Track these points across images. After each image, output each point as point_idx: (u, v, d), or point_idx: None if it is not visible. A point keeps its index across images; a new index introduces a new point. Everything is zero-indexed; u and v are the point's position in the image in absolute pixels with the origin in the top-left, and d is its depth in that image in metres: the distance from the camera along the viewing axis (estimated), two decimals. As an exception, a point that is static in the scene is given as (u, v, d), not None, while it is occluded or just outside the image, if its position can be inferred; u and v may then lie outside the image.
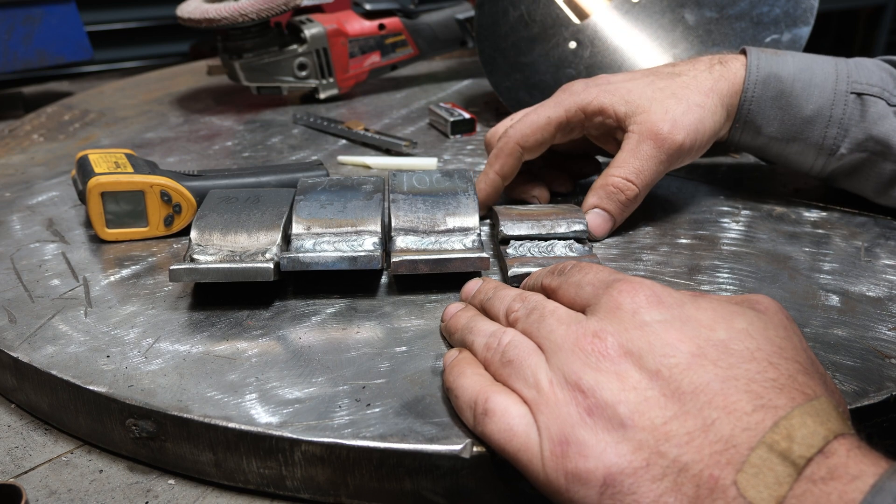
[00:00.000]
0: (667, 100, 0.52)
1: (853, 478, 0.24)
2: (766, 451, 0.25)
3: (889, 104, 0.53)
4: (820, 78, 0.54)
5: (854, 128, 0.53)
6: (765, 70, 0.54)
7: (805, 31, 0.70)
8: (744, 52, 0.55)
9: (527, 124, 0.54)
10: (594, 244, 0.53)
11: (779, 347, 0.29)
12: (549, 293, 0.37)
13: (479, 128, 0.79)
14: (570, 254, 0.49)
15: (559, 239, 0.50)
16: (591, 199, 0.53)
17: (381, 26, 0.91)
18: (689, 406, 0.27)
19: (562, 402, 0.30)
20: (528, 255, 0.49)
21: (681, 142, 0.52)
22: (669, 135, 0.51)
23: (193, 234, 0.47)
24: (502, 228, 0.50)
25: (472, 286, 0.43)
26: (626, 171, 0.52)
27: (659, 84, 0.54)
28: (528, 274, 0.46)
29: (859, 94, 0.53)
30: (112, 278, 0.49)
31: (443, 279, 0.48)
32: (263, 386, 0.38)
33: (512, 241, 0.50)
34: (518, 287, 0.43)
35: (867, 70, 0.54)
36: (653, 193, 0.61)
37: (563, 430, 0.29)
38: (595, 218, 0.53)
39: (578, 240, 0.50)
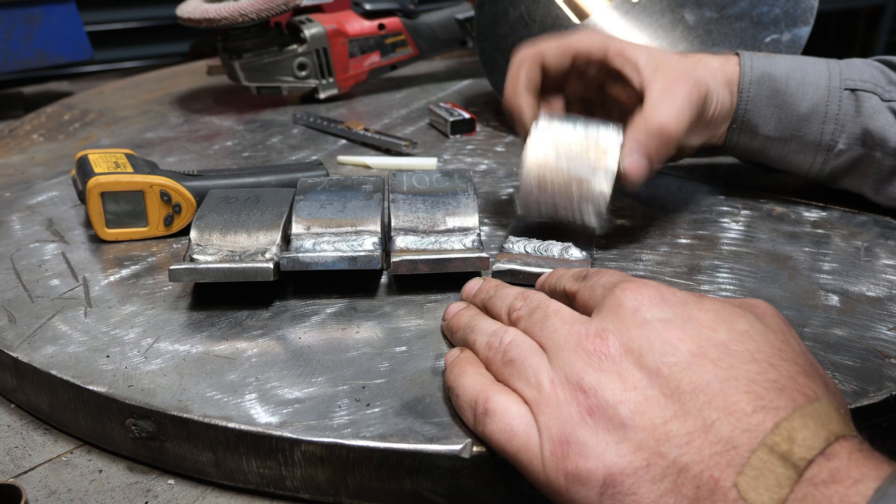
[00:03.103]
0: (683, 61, 0.53)
1: (855, 481, 0.24)
2: (766, 452, 0.25)
3: (883, 99, 0.53)
4: (813, 76, 0.54)
5: (850, 123, 0.54)
6: (759, 70, 0.54)
7: (805, 31, 0.70)
8: (737, 55, 0.56)
9: (546, 39, 0.54)
10: (595, 248, 0.53)
11: (778, 350, 0.29)
12: (570, 297, 0.37)
13: (479, 128, 0.79)
14: (566, 256, 0.49)
15: (557, 241, 0.50)
16: (629, 142, 0.49)
17: (381, 26, 0.91)
18: (689, 406, 0.27)
19: (563, 402, 0.30)
20: (522, 252, 0.49)
21: (704, 90, 0.51)
22: (694, 80, 0.51)
23: (193, 234, 0.47)
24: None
25: (473, 285, 0.43)
26: (663, 111, 0.49)
27: (673, 54, 0.54)
28: (510, 271, 0.47)
29: (853, 90, 0.54)
30: (112, 278, 0.49)
31: (443, 279, 0.48)
32: (263, 386, 0.38)
33: (509, 237, 0.50)
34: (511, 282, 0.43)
35: (858, 68, 0.55)
36: (653, 193, 0.61)
37: (564, 430, 0.29)
38: (633, 160, 0.48)
39: (578, 243, 0.50)
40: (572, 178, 0.48)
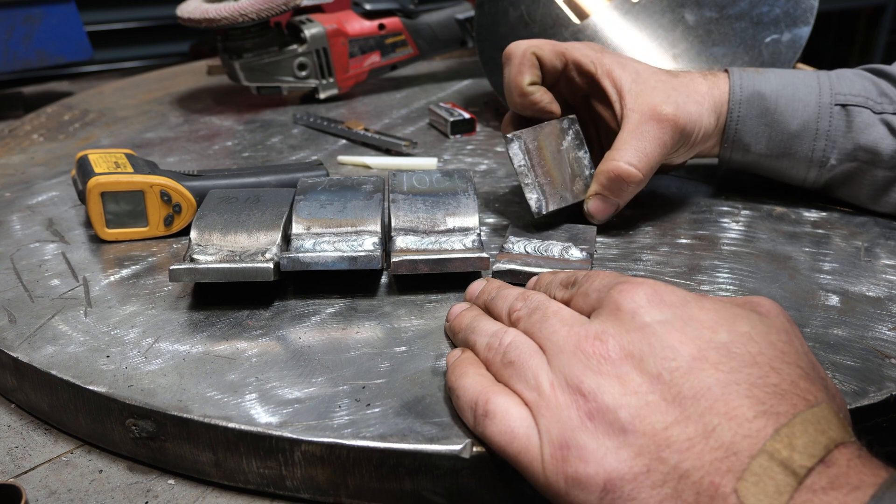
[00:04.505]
0: (669, 89, 0.53)
1: (853, 488, 0.24)
2: (767, 459, 0.25)
3: (874, 112, 0.53)
4: (803, 93, 0.54)
5: (841, 139, 0.54)
6: (748, 89, 0.54)
7: (805, 31, 0.70)
8: (727, 72, 0.56)
9: (540, 39, 0.54)
10: (596, 247, 0.53)
11: (781, 352, 0.29)
12: (565, 304, 0.37)
13: (479, 128, 0.79)
14: (566, 256, 0.49)
15: (558, 241, 0.50)
16: (594, 185, 0.53)
17: (381, 26, 0.91)
18: (689, 411, 0.27)
19: (563, 405, 0.30)
20: (522, 252, 0.49)
21: (683, 125, 0.52)
22: (673, 117, 0.51)
23: (193, 234, 0.47)
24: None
25: (476, 286, 0.43)
26: (629, 155, 0.51)
27: (661, 76, 0.54)
28: (510, 271, 0.47)
29: (844, 105, 0.53)
30: (112, 278, 0.49)
31: (443, 279, 0.48)
32: (263, 386, 0.38)
33: (510, 237, 0.50)
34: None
35: (849, 81, 0.54)
36: (653, 193, 0.61)
37: (564, 433, 0.29)
38: (596, 203, 0.53)
39: (578, 243, 0.50)
40: (555, 168, 0.54)
